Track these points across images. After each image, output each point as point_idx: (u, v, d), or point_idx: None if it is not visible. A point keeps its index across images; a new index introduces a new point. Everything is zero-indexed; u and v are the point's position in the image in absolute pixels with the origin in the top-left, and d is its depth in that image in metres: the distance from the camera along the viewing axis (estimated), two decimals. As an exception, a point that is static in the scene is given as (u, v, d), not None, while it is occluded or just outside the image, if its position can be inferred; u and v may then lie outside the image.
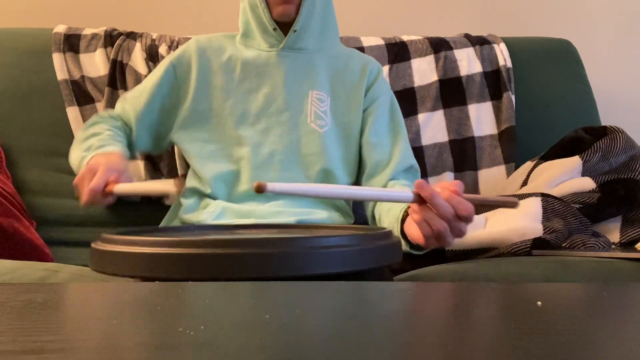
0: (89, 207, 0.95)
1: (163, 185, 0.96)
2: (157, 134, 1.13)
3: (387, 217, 0.95)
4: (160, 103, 1.11)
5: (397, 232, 0.86)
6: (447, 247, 0.85)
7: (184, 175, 1.32)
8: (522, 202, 0.99)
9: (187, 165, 1.34)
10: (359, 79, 1.13)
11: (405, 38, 1.49)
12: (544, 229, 0.91)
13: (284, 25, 1.08)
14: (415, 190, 0.72)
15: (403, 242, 0.85)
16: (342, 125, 1.10)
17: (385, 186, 1.05)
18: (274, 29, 1.08)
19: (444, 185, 0.74)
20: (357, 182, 1.12)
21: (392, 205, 0.93)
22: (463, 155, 1.40)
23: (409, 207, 0.80)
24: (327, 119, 1.08)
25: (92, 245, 0.67)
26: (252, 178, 1.03)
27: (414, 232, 0.78)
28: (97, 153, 0.97)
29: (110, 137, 1.05)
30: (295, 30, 1.08)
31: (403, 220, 0.86)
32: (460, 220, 0.72)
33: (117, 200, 1.28)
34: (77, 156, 1.02)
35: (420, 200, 0.72)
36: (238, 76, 1.09)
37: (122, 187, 0.91)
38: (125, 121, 1.13)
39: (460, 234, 0.74)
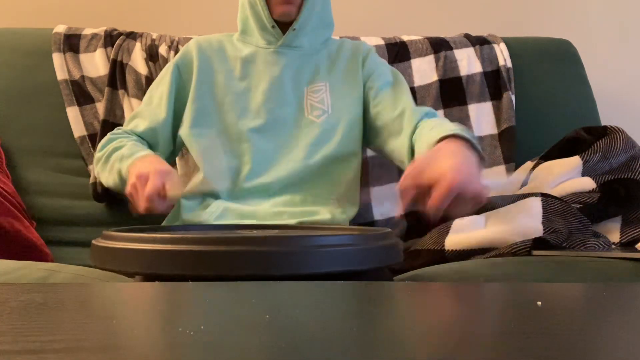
0: (148, 214, 0.91)
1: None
2: (175, 140, 1.13)
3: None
4: (174, 107, 1.11)
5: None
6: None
7: (185, 175, 1.32)
8: (522, 202, 0.99)
9: (187, 166, 1.34)
10: (353, 59, 1.16)
11: (405, 38, 1.49)
12: (544, 229, 0.91)
13: (282, 23, 1.10)
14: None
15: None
16: (344, 105, 1.11)
17: (415, 129, 1.01)
18: (273, 27, 1.10)
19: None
20: (374, 147, 1.15)
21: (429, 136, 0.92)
22: (463, 155, 1.39)
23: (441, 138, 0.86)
24: (326, 106, 1.09)
25: (93, 242, 0.67)
26: (254, 173, 1.04)
27: None
28: (133, 160, 0.96)
29: (136, 145, 1.04)
30: (294, 29, 1.09)
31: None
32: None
33: (117, 200, 1.29)
34: (111, 170, 1.01)
35: None
36: (237, 75, 1.11)
37: (178, 190, 0.88)
38: (142, 137, 1.11)
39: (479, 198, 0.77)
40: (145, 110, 1.12)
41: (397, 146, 1.04)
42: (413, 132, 1.01)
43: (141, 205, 0.89)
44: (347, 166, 1.08)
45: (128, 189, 0.92)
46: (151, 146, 1.10)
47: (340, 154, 1.07)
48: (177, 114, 1.11)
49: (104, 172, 1.05)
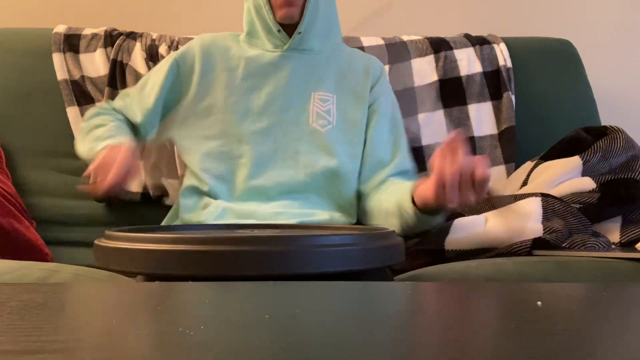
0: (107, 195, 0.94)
1: None
2: (160, 129, 1.15)
3: (393, 194, 0.98)
4: (164, 100, 1.12)
5: (408, 201, 0.91)
6: (450, 207, 0.85)
7: (182, 176, 1.32)
8: (522, 202, 1.00)
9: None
10: (363, 78, 1.14)
11: (405, 38, 1.48)
12: (544, 229, 0.91)
13: (289, 26, 1.09)
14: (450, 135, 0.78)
15: (413, 210, 0.90)
16: (349, 121, 1.10)
17: (382, 183, 1.07)
18: (279, 31, 1.09)
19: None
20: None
21: (400, 187, 0.97)
22: (463, 155, 1.40)
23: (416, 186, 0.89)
24: (331, 117, 1.09)
25: (96, 242, 0.68)
26: (252, 175, 1.03)
27: (425, 190, 0.84)
28: (107, 144, 0.97)
29: (117, 128, 1.06)
30: (299, 32, 1.08)
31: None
32: (474, 182, 0.77)
33: (118, 200, 1.29)
34: (88, 147, 1.03)
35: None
36: (241, 74, 1.10)
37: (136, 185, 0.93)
38: (127, 117, 1.13)
39: (466, 200, 0.78)
40: (136, 95, 1.14)
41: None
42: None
43: (100, 190, 0.91)
44: (347, 180, 1.07)
45: (90, 168, 0.94)
46: (135, 128, 1.13)
47: (344, 166, 1.07)
48: (165, 108, 1.12)
49: (82, 142, 1.07)
